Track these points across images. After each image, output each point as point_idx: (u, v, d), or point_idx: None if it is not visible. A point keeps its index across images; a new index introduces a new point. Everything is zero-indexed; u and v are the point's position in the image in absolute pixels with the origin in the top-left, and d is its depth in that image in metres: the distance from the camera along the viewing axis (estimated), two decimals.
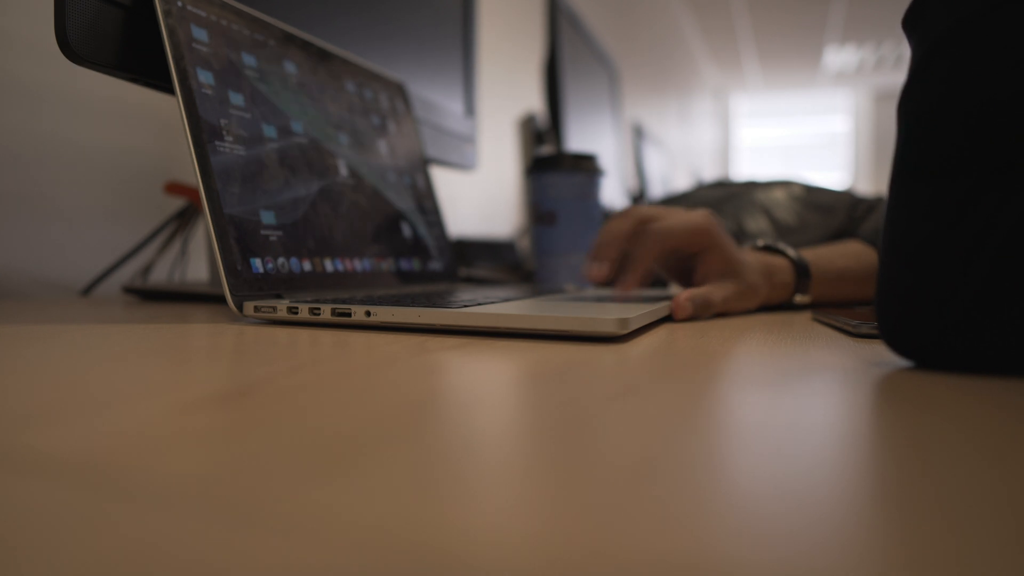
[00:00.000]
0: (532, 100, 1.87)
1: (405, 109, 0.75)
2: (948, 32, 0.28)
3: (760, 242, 0.59)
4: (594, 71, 1.46)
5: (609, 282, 0.52)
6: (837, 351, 0.34)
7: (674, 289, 0.71)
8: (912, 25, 0.30)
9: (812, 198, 0.77)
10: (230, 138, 0.47)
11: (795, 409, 0.21)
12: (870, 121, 7.39)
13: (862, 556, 0.11)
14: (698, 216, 0.51)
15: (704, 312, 0.48)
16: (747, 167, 8.05)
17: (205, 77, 0.47)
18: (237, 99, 0.49)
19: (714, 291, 0.49)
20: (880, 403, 0.22)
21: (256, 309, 0.43)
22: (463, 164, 0.99)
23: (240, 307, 0.43)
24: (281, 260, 0.48)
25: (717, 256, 0.51)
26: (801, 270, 0.56)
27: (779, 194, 0.78)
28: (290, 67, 0.57)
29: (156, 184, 0.81)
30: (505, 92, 1.70)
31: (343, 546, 0.11)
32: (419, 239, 0.68)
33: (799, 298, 0.57)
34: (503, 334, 0.39)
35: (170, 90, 0.52)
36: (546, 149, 1.63)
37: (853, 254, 0.60)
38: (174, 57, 0.45)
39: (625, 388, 0.24)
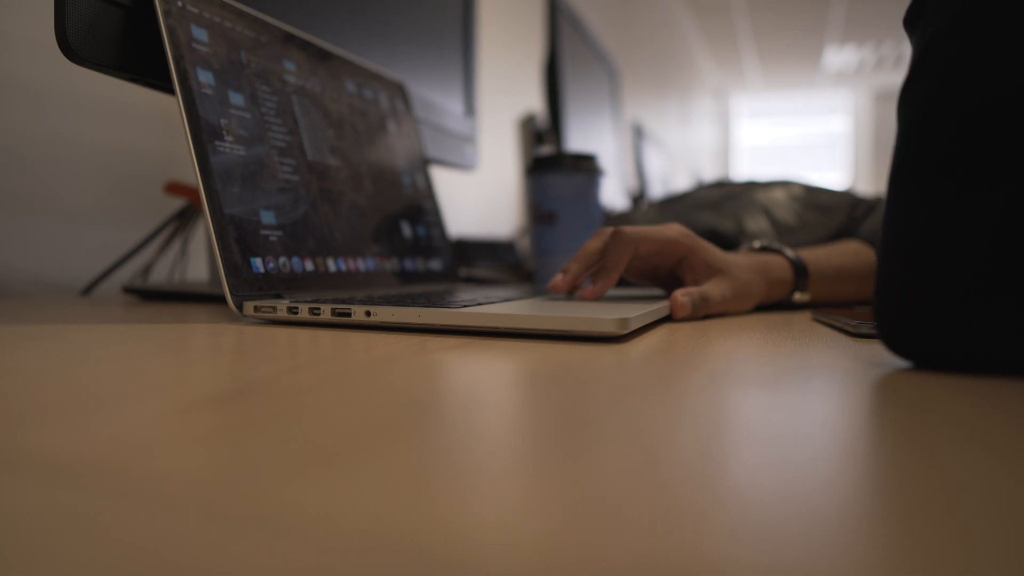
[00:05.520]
0: (532, 100, 1.87)
1: (405, 109, 0.75)
2: (943, 30, 0.28)
3: (757, 243, 0.59)
4: (594, 71, 1.46)
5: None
6: (837, 351, 0.34)
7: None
8: (913, 24, 0.31)
9: (812, 198, 0.77)
10: (230, 138, 0.47)
11: (795, 409, 0.21)
12: (870, 121, 7.39)
13: (862, 556, 0.11)
14: (668, 227, 0.52)
15: (702, 309, 0.48)
16: (747, 167, 8.05)
17: (205, 77, 0.47)
18: (237, 99, 0.49)
19: (711, 288, 0.49)
20: (880, 403, 0.22)
21: (256, 309, 0.43)
22: (463, 164, 0.99)
23: (240, 307, 0.43)
24: (282, 260, 0.48)
25: (699, 260, 0.51)
26: (799, 269, 0.56)
27: (779, 194, 0.78)
28: (290, 67, 0.57)
29: (156, 184, 0.81)
30: (505, 92, 1.70)
31: (342, 546, 0.11)
32: (419, 239, 0.68)
33: (798, 296, 0.57)
34: (503, 334, 0.39)
35: (170, 90, 0.52)
36: (546, 149, 1.63)
37: (851, 252, 0.60)
38: (174, 57, 0.45)
39: (625, 388, 0.24)
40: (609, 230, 0.52)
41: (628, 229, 0.50)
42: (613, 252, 0.50)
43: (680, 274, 0.53)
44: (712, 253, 0.52)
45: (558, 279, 0.51)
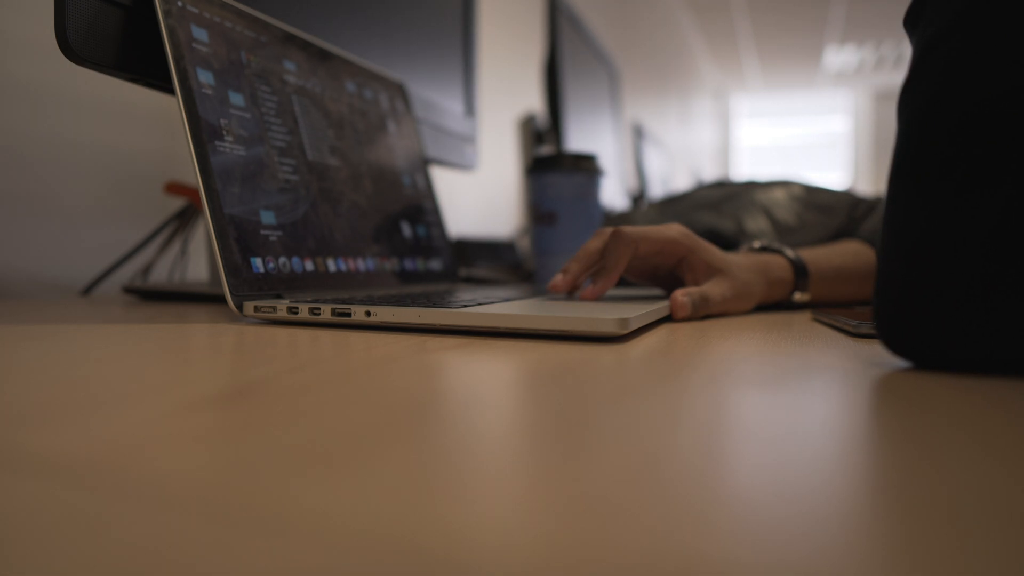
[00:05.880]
0: (532, 100, 1.87)
1: (405, 109, 0.75)
2: (943, 29, 0.28)
3: (756, 243, 0.59)
4: (594, 71, 1.46)
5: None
6: (837, 351, 0.34)
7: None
8: (913, 23, 0.31)
9: (812, 198, 0.77)
10: (230, 138, 0.47)
11: (795, 409, 0.21)
12: (870, 121, 7.39)
13: (862, 556, 0.11)
14: (668, 227, 0.52)
15: (702, 309, 0.48)
16: (747, 167, 8.05)
17: (205, 77, 0.47)
18: (237, 99, 0.49)
19: (711, 288, 0.49)
20: (880, 403, 0.22)
21: (256, 309, 0.43)
22: (463, 164, 0.99)
23: (240, 307, 0.43)
24: (282, 260, 0.48)
25: (698, 260, 0.51)
26: (799, 268, 0.56)
27: (779, 194, 0.78)
28: (290, 67, 0.57)
29: (156, 184, 0.81)
30: (505, 92, 1.70)
31: (342, 547, 0.11)
32: (419, 239, 0.68)
33: (798, 296, 0.57)
34: (503, 334, 0.39)
35: (170, 90, 0.52)
36: (546, 149, 1.63)
37: (851, 252, 0.60)
38: (174, 57, 0.45)
39: (625, 388, 0.24)
40: (609, 230, 0.52)
41: (628, 229, 0.50)
42: (613, 252, 0.50)
43: (680, 274, 0.53)
44: (712, 253, 0.52)
45: (558, 279, 0.51)
